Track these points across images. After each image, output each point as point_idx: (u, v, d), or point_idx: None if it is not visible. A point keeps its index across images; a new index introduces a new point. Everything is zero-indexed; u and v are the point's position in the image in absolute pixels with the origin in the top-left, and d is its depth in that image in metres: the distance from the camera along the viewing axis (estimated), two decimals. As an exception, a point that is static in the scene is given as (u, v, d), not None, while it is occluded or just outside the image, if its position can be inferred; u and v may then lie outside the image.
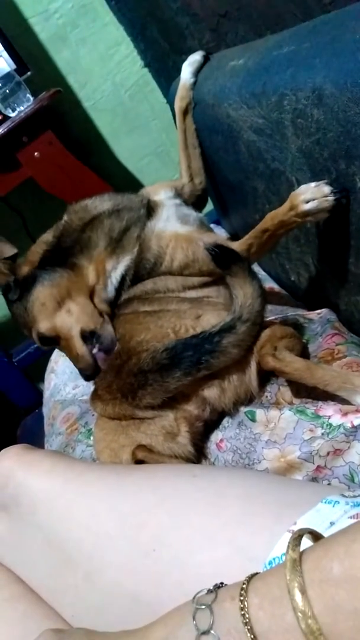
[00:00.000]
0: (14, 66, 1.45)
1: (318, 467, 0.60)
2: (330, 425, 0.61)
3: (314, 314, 0.86)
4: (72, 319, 0.84)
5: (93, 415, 0.93)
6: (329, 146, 0.60)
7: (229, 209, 1.25)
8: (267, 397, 0.71)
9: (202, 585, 0.34)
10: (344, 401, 0.62)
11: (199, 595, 0.33)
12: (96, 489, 0.56)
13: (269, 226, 0.76)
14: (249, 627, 0.29)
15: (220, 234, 1.26)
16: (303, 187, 0.68)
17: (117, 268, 0.85)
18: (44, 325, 0.85)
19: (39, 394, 1.56)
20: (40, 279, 0.85)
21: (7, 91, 1.40)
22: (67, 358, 0.88)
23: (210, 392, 0.71)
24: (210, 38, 1.11)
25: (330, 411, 0.62)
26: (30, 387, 1.71)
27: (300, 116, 0.62)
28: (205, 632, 0.31)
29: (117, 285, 0.86)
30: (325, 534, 0.33)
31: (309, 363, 0.66)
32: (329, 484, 0.58)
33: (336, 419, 0.61)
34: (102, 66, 1.68)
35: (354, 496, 0.42)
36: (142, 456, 0.68)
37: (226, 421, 0.72)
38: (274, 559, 0.38)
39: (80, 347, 0.83)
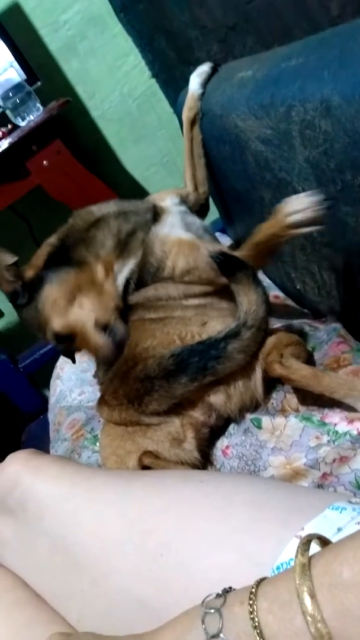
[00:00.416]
0: (24, 76, 1.47)
1: (324, 474, 0.60)
2: (336, 432, 0.61)
3: (319, 322, 0.86)
4: (85, 312, 0.83)
5: (99, 421, 0.93)
6: (336, 157, 0.60)
7: (234, 218, 1.26)
8: (273, 404, 0.72)
9: (209, 591, 0.34)
10: (350, 408, 0.63)
11: (208, 599, 0.33)
12: (103, 494, 0.56)
13: (261, 238, 0.76)
14: (258, 631, 0.29)
15: (222, 242, 1.27)
16: (288, 199, 0.69)
17: (123, 271, 0.85)
18: (58, 323, 0.84)
19: (44, 400, 1.56)
20: (48, 279, 0.84)
21: (17, 101, 1.42)
22: (74, 363, 0.88)
23: (216, 398, 0.71)
24: (218, 50, 1.12)
25: (336, 418, 0.62)
26: (36, 393, 1.71)
27: (308, 127, 0.63)
28: (215, 636, 0.31)
29: (122, 289, 0.86)
30: (333, 540, 0.33)
31: (316, 370, 0.66)
32: (335, 491, 0.58)
33: (342, 426, 0.61)
34: (111, 76, 1.70)
35: (361, 503, 0.42)
36: (149, 462, 0.68)
37: (232, 428, 0.72)
38: (281, 564, 0.38)
39: (97, 338, 0.82)
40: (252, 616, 0.30)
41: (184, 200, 1.01)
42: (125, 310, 0.86)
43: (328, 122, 0.58)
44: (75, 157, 1.52)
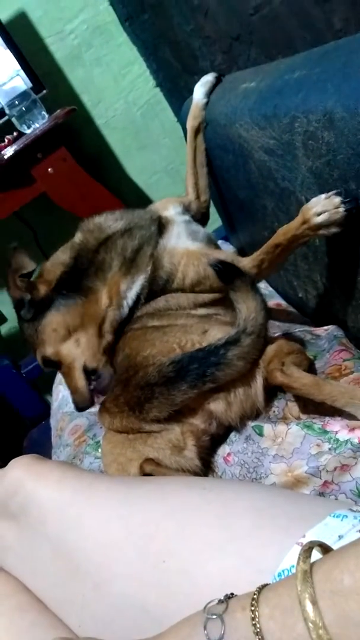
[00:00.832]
0: (30, 84, 1.49)
1: (325, 482, 0.60)
2: (338, 440, 0.61)
3: (321, 330, 0.87)
4: (78, 351, 0.85)
5: (101, 427, 0.93)
6: (339, 167, 0.61)
7: (237, 226, 1.27)
8: (274, 412, 0.72)
9: (211, 597, 0.35)
10: (351, 417, 0.63)
11: (210, 605, 0.34)
12: (105, 500, 0.57)
13: (282, 241, 0.77)
14: (260, 637, 0.29)
15: (228, 250, 1.28)
16: (314, 200, 0.69)
17: (132, 288, 0.86)
18: (50, 350, 0.86)
19: (47, 406, 1.57)
20: (56, 304, 0.86)
21: (23, 109, 1.43)
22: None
23: (217, 406, 0.71)
24: (222, 60, 1.14)
25: (337, 426, 0.63)
26: (38, 399, 1.71)
27: (311, 138, 0.64)
28: (216, 642, 0.31)
29: (132, 305, 0.86)
30: (334, 547, 0.33)
31: (317, 379, 0.66)
32: (336, 499, 0.58)
33: (343, 435, 0.61)
34: (115, 85, 1.72)
35: (362, 511, 0.42)
36: (150, 470, 0.69)
37: (234, 435, 0.73)
38: (283, 571, 0.39)
39: (80, 380, 0.84)
40: (254, 622, 0.30)
41: (186, 209, 1.02)
42: (126, 322, 0.87)
43: (331, 134, 0.59)
44: (80, 165, 1.53)
